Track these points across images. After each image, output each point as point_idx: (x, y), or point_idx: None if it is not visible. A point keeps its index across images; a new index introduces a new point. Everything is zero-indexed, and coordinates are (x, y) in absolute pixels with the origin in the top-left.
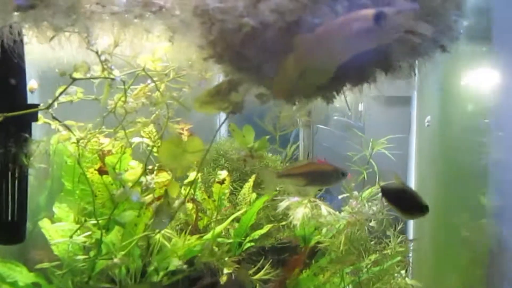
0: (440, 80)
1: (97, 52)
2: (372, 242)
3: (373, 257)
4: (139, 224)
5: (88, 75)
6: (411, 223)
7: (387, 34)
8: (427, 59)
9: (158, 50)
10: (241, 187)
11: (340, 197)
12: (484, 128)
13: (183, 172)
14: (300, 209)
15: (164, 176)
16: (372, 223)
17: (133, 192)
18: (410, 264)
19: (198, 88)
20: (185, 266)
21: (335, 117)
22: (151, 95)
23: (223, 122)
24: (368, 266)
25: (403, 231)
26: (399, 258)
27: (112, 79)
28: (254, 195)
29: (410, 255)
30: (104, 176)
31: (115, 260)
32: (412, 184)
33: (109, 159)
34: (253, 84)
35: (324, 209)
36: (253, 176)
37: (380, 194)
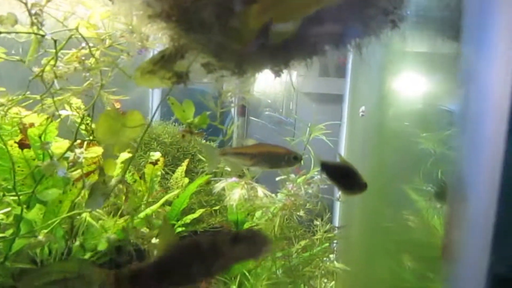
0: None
1: (26, 4)
2: (301, 230)
3: (303, 242)
4: (64, 201)
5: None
6: (337, 212)
7: None
8: (376, 37)
9: (94, 16)
10: (173, 172)
11: (277, 179)
12: (418, 119)
13: (121, 150)
14: (237, 190)
15: (95, 151)
16: (301, 213)
17: (59, 166)
18: (335, 250)
19: (138, 57)
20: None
21: (266, 112)
22: (84, 60)
23: (161, 101)
24: (298, 251)
25: (331, 220)
26: (327, 244)
27: (42, 36)
28: (186, 180)
29: (336, 242)
30: (25, 150)
31: (39, 237)
32: None
33: (32, 131)
34: (202, 51)
35: (261, 191)
36: (186, 161)
37: (316, 177)
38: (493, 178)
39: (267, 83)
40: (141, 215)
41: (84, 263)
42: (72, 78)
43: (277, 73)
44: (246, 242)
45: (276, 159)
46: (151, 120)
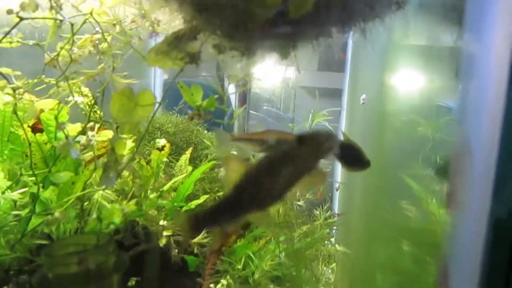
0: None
1: None
2: (302, 218)
3: (305, 227)
4: (77, 182)
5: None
6: (336, 202)
7: None
8: (380, 20)
9: (106, 2)
10: (177, 161)
11: None
12: (417, 107)
13: (132, 129)
14: None
15: (105, 135)
16: (301, 202)
17: (74, 147)
18: (335, 236)
19: (149, 42)
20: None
21: (265, 107)
22: (98, 43)
23: (166, 91)
24: (301, 236)
25: (330, 209)
26: (327, 230)
27: (61, 20)
28: (190, 168)
29: (336, 228)
30: (38, 134)
31: (56, 214)
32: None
33: (44, 116)
34: (214, 32)
35: None
36: (190, 149)
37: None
38: (494, 130)
39: (266, 79)
40: (150, 197)
41: (101, 234)
42: (84, 63)
43: (285, 56)
44: (311, 141)
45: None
46: (156, 110)
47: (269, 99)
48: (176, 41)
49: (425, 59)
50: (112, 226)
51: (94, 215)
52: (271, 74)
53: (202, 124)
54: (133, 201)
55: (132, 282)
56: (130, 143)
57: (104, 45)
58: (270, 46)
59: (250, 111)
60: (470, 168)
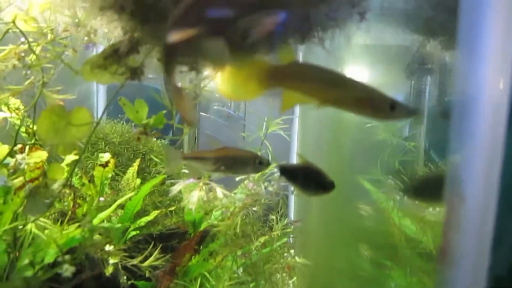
0: None
1: None
2: (259, 225)
3: (262, 239)
4: (5, 212)
5: None
6: (292, 205)
7: None
8: (341, 29)
9: (33, 8)
10: (124, 173)
11: (237, 178)
12: None
13: (66, 151)
14: (195, 192)
15: (39, 156)
16: (256, 208)
17: None
18: (293, 245)
19: (84, 52)
20: (66, 257)
21: (215, 107)
22: (24, 56)
23: (110, 100)
24: (258, 248)
25: (286, 214)
26: (285, 239)
27: None
28: (138, 181)
29: (293, 236)
30: None
31: None
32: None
33: None
34: (158, 44)
35: (220, 191)
36: (138, 160)
37: (277, 174)
38: (491, 177)
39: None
40: (94, 221)
41: (30, 282)
42: (9, 76)
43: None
44: None
45: (241, 163)
46: (99, 120)
47: (219, 98)
48: (115, 54)
49: (376, 58)
50: (47, 259)
51: (28, 248)
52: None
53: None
54: (74, 225)
55: None
56: (70, 157)
57: (31, 57)
58: (220, 60)
59: (201, 113)
60: (463, 219)
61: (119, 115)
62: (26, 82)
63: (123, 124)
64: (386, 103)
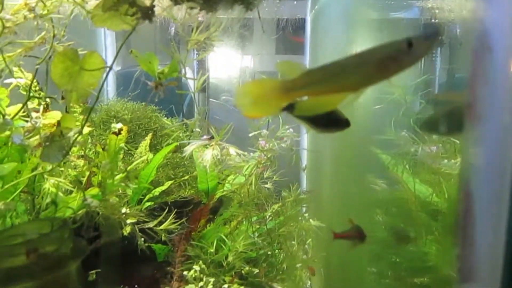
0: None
1: None
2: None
3: (276, 206)
4: (23, 171)
5: None
6: (304, 183)
7: None
8: None
9: None
10: (136, 149)
11: (250, 134)
12: None
13: (80, 98)
14: (209, 151)
15: (53, 116)
16: (269, 185)
17: (15, 133)
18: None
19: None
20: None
21: (224, 97)
22: (35, 7)
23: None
24: (273, 215)
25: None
26: (299, 208)
27: None
28: (151, 155)
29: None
30: None
31: None
32: (305, 137)
33: None
34: None
35: (233, 150)
36: (150, 135)
37: (289, 130)
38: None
39: (222, 70)
40: (109, 184)
41: (54, 220)
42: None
43: (249, 7)
44: None
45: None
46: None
47: (227, 89)
48: None
49: (385, 32)
50: (68, 213)
51: (47, 207)
52: (228, 64)
53: (160, 110)
54: (92, 189)
55: (92, 276)
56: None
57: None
58: None
59: (210, 99)
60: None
61: (129, 95)
62: (39, 36)
63: (132, 102)
64: (402, 45)
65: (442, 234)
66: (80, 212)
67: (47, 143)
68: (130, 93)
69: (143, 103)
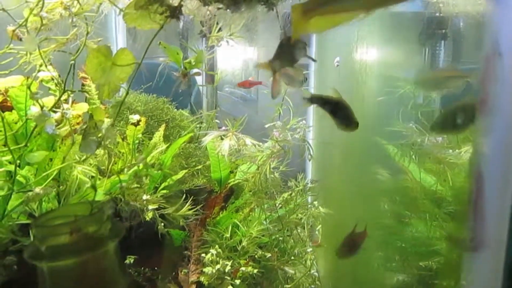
0: None
1: None
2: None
3: (286, 194)
4: (55, 159)
5: None
6: (309, 173)
7: None
8: None
9: None
10: (150, 140)
11: (266, 126)
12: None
13: (111, 92)
14: (226, 141)
15: (81, 108)
16: (276, 175)
17: (48, 123)
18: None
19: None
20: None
21: (227, 89)
22: (70, 5)
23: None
24: (283, 202)
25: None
26: (307, 197)
27: None
28: (165, 145)
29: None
30: (7, 113)
31: (36, 190)
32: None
33: (13, 92)
34: None
35: (249, 141)
36: (163, 126)
37: (301, 122)
38: None
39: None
40: (131, 172)
41: (94, 203)
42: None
43: (270, 7)
44: None
45: None
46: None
47: (230, 81)
48: None
49: (390, 26)
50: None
51: (75, 193)
52: (232, 57)
53: (171, 103)
54: (121, 175)
55: (130, 259)
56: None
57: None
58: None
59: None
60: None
61: (141, 87)
62: (72, 32)
63: (145, 95)
64: None
65: (445, 220)
66: (107, 197)
67: (84, 136)
68: (142, 86)
69: (154, 95)
